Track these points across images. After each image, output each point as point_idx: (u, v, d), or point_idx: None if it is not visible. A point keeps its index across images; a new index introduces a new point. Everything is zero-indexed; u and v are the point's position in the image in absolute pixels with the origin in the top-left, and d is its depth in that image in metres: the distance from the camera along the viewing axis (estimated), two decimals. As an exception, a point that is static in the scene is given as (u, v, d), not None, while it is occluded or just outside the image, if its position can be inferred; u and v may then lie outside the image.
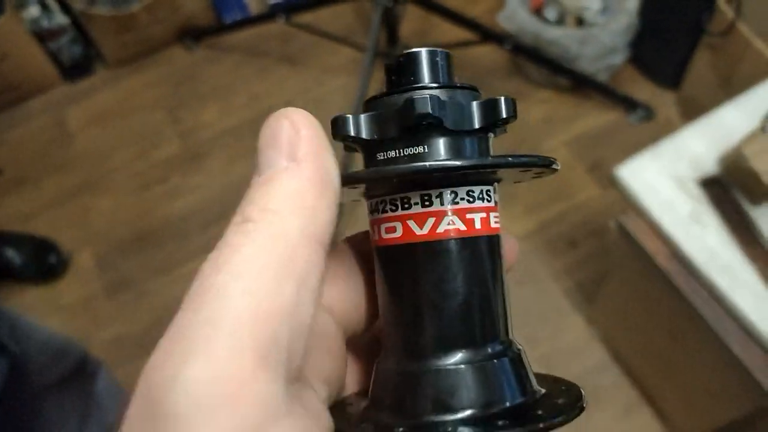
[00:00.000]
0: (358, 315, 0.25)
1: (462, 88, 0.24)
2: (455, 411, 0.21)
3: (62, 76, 1.85)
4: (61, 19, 1.77)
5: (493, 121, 0.23)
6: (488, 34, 1.60)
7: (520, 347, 0.24)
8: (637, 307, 1.11)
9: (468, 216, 0.23)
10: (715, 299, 0.83)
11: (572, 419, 0.21)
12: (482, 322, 0.23)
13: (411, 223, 0.22)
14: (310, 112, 0.21)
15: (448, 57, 0.25)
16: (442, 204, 0.22)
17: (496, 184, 0.25)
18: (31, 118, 1.81)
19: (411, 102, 0.22)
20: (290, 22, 1.68)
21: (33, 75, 1.80)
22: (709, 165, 0.88)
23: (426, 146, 0.22)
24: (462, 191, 0.23)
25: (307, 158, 0.20)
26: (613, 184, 0.90)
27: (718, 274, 0.81)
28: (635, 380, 1.26)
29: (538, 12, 1.62)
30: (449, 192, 0.23)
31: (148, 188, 1.66)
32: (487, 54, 1.73)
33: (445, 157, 0.22)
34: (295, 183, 0.19)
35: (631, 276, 1.05)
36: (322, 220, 0.19)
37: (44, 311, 1.47)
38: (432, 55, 0.24)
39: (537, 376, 0.24)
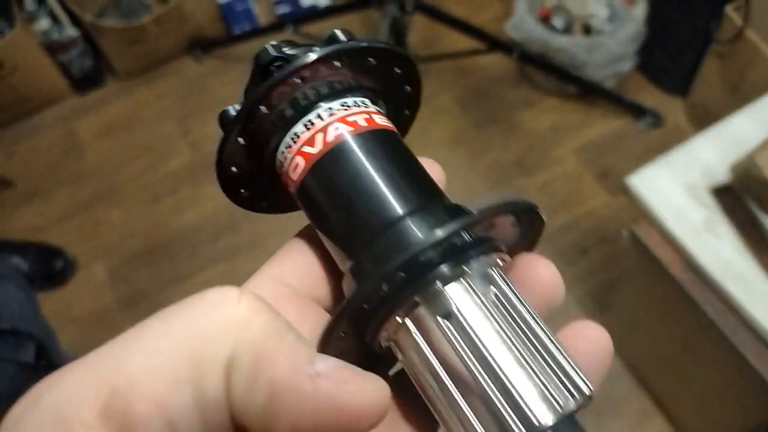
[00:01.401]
0: (324, 289, 0.24)
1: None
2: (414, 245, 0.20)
3: (72, 88, 1.87)
4: (71, 31, 1.79)
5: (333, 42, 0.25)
6: (496, 43, 1.61)
7: (455, 203, 0.24)
8: (650, 316, 1.11)
9: (350, 119, 0.24)
10: (730, 309, 0.83)
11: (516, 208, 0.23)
12: (410, 190, 0.23)
13: (307, 149, 0.24)
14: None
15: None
16: (323, 119, 0.24)
17: (371, 95, 0.26)
18: (42, 131, 1.83)
19: (257, 55, 0.24)
20: (298, 32, 1.69)
21: (43, 87, 1.82)
22: (721, 173, 0.88)
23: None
24: (336, 104, 0.24)
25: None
26: (624, 192, 0.90)
27: (732, 283, 0.81)
28: (649, 389, 1.25)
29: (545, 20, 1.62)
30: (324, 109, 0.24)
31: (159, 200, 1.67)
32: (495, 62, 1.74)
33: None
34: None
35: (643, 285, 1.05)
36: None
37: (57, 323, 1.46)
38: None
39: None
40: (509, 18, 1.64)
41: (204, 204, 1.64)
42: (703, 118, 1.56)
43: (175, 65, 1.90)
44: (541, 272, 0.24)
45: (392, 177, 0.23)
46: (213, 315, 0.18)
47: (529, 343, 0.20)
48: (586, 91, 1.66)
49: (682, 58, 1.60)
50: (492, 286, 0.21)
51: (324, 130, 0.23)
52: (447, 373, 0.20)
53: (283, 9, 1.92)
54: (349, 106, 0.24)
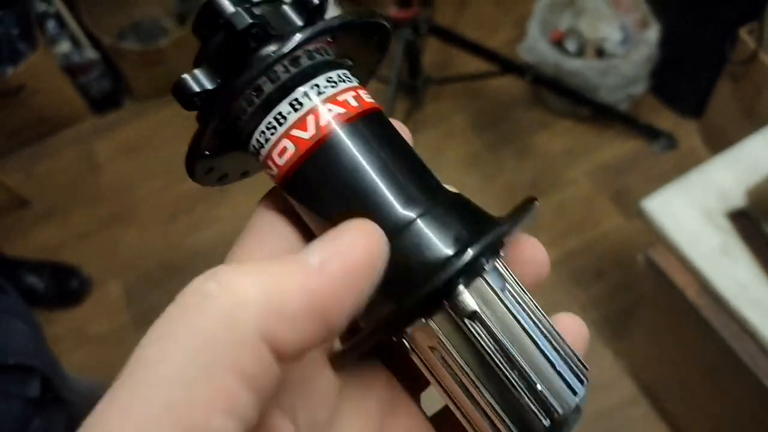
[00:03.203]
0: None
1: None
2: (432, 266, 0.20)
3: (91, 110, 1.90)
4: (91, 54, 1.82)
5: (310, 13, 0.23)
6: (509, 66, 1.62)
7: (455, 191, 0.24)
8: (666, 340, 1.10)
9: (340, 98, 0.22)
10: (746, 333, 0.82)
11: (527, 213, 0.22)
12: (417, 185, 0.22)
13: (297, 133, 0.22)
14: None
15: None
16: (311, 99, 0.22)
17: (348, 68, 0.24)
18: (60, 151, 1.86)
19: (228, 22, 0.21)
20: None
21: (63, 108, 1.85)
22: (737, 197, 0.87)
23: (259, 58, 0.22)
24: (321, 80, 0.22)
25: (332, 274, 0.18)
26: (639, 216, 0.90)
27: (748, 308, 0.80)
28: (665, 414, 1.24)
29: (558, 43, 1.63)
30: (311, 86, 0.22)
31: (175, 219, 1.68)
32: (508, 85, 1.75)
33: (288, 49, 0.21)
34: (294, 286, 0.17)
35: (660, 309, 1.04)
36: (295, 333, 0.17)
37: (73, 342, 1.49)
38: None
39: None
40: (522, 41, 1.65)
41: (219, 224, 1.65)
42: (718, 141, 1.55)
43: (191, 87, 1.92)
44: (536, 254, 0.25)
45: (397, 171, 0.22)
46: (221, 325, 0.17)
47: (545, 333, 0.21)
48: (600, 113, 1.66)
49: (695, 81, 1.61)
50: (505, 281, 0.22)
51: (314, 112, 0.22)
52: (474, 370, 0.20)
53: (299, 32, 1.94)
54: (335, 83, 0.23)
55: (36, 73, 1.71)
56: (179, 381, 0.16)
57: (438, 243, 0.21)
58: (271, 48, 0.22)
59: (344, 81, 0.23)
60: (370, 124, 0.22)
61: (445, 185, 0.24)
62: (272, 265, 0.18)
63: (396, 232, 0.21)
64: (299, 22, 0.23)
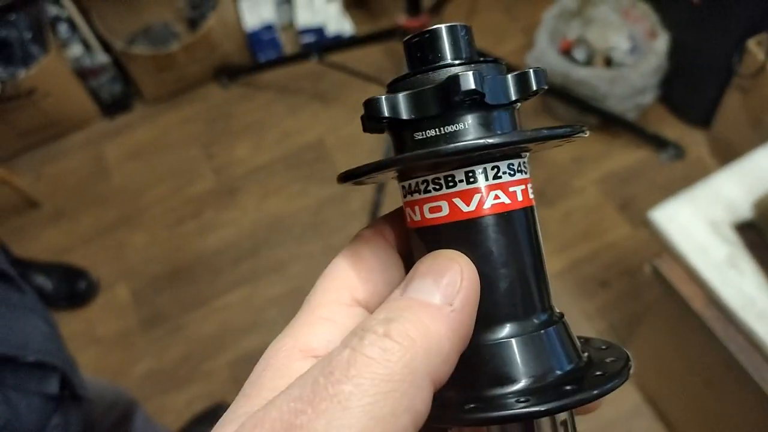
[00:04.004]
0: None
1: (488, 62, 0.24)
2: (512, 382, 0.22)
3: (101, 113, 1.92)
4: (102, 57, 1.84)
5: (526, 94, 0.23)
6: (517, 74, 1.62)
7: (561, 312, 0.25)
8: (671, 351, 1.10)
9: (510, 189, 0.23)
10: (753, 346, 0.82)
11: (624, 382, 0.22)
12: (530, 293, 0.23)
13: (457, 201, 0.23)
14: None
15: (469, 31, 0.24)
16: (486, 179, 0.23)
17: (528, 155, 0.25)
18: (70, 153, 1.87)
19: (455, 79, 0.21)
20: (323, 61, 1.72)
21: (73, 111, 1.87)
22: (745, 209, 0.87)
23: (465, 123, 0.22)
24: (504, 165, 0.23)
25: (461, 310, 0.21)
26: (646, 226, 0.90)
27: (755, 320, 0.80)
28: (669, 425, 1.23)
29: (567, 52, 1.64)
30: (491, 167, 0.23)
31: (182, 223, 1.69)
32: (516, 93, 1.75)
33: (487, 133, 0.22)
34: (443, 329, 0.20)
35: (665, 320, 1.04)
36: (448, 369, 0.21)
37: (81, 343, 1.50)
38: (455, 31, 0.24)
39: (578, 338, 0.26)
40: (531, 50, 1.66)
41: (226, 228, 1.66)
42: (726, 151, 1.55)
43: (201, 92, 1.94)
44: None
45: (519, 277, 0.23)
46: (402, 374, 0.19)
47: None
48: (608, 122, 1.66)
49: (704, 91, 1.61)
50: None
51: (483, 191, 0.22)
52: None
53: (309, 38, 1.95)
54: (513, 172, 0.23)
55: (47, 77, 1.73)
56: (373, 417, 0.18)
57: (555, 358, 0.23)
58: (481, 124, 0.22)
59: (521, 172, 0.24)
60: (523, 220, 0.23)
61: (553, 306, 0.25)
62: (420, 312, 0.21)
63: (518, 334, 0.23)
64: (514, 97, 0.23)
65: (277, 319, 1.50)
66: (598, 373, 0.23)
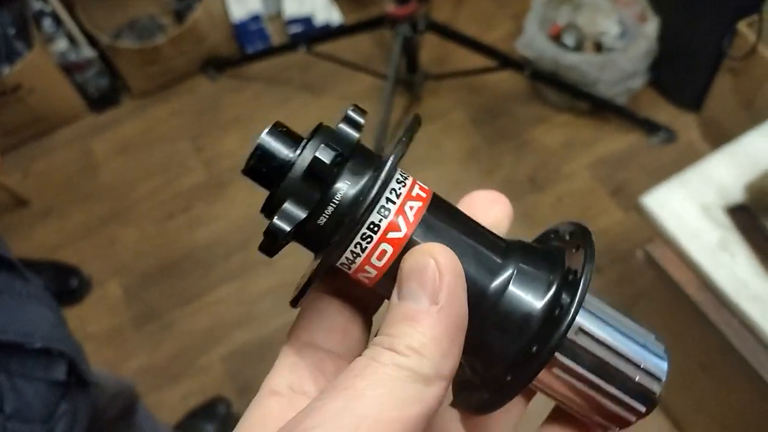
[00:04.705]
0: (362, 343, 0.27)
1: (316, 131, 0.26)
2: (534, 314, 0.25)
3: (88, 108, 1.89)
4: (88, 52, 1.82)
5: (360, 132, 0.25)
6: (508, 61, 1.61)
7: (516, 239, 0.27)
8: (665, 335, 1.09)
9: (414, 193, 0.24)
10: (746, 329, 0.82)
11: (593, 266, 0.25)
12: (493, 244, 0.26)
13: (392, 235, 0.24)
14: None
15: (281, 123, 0.26)
16: (395, 203, 0.24)
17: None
18: (58, 149, 1.85)
19: (317, 159, 0.23)
20: (311, 51, 1.70)
21: (60, 107, 1.84)
22: (736, 192, 0.87)
23: (345, 181, 0.24)
24: (395, 184, 0.24)
25: (448, 305, 0.22)
26: (638, 211, 0.90)
27: (748, 303, 0.80)
28: (666, 411, 1.24)
29: (556, 38, 1.63)
30: (389, 191, 0.24)
31: (172, 217, 1.68)
32: (506, 80, 1.74)
33: (371, 176, 0.24)
34: (436, 330, 0.22)
35: (659, 305, 1.04)
36: (452, 363, 0.22)
37: (71, 341, 1.49)
38: (275, 132, 0.26)
39: (539, 240, 0.29)
40: (520, 36, 1.65)
41: (216, 222, 1.65)
42: (717, 134, 1.55)
43: (189, 84, 1.92)
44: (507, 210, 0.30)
45: (481, 233, 0.26)
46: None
47: (627, 327, 0.27)
48: (598, 107, 1.66)
49: (694, 74, 1.60)
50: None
51: (401, 213, 0.24)
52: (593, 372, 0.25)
53: (296, 28, 1.94)
54: (403, 182, 0.25)
55: (33, 72, 1.70)
56: (386, 403, 0.20)
57: (538, 292, 0.25)
58: (357, 174, 0.24)
59: (406, 177, 0.25)
60: (440, 203, 0.25)
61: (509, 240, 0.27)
62: (413, 322, 0.22)
63: (503, 287, 0.25)
64: (356, 135, 0.25)
65: (269, 311, 1.50)
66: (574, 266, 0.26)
